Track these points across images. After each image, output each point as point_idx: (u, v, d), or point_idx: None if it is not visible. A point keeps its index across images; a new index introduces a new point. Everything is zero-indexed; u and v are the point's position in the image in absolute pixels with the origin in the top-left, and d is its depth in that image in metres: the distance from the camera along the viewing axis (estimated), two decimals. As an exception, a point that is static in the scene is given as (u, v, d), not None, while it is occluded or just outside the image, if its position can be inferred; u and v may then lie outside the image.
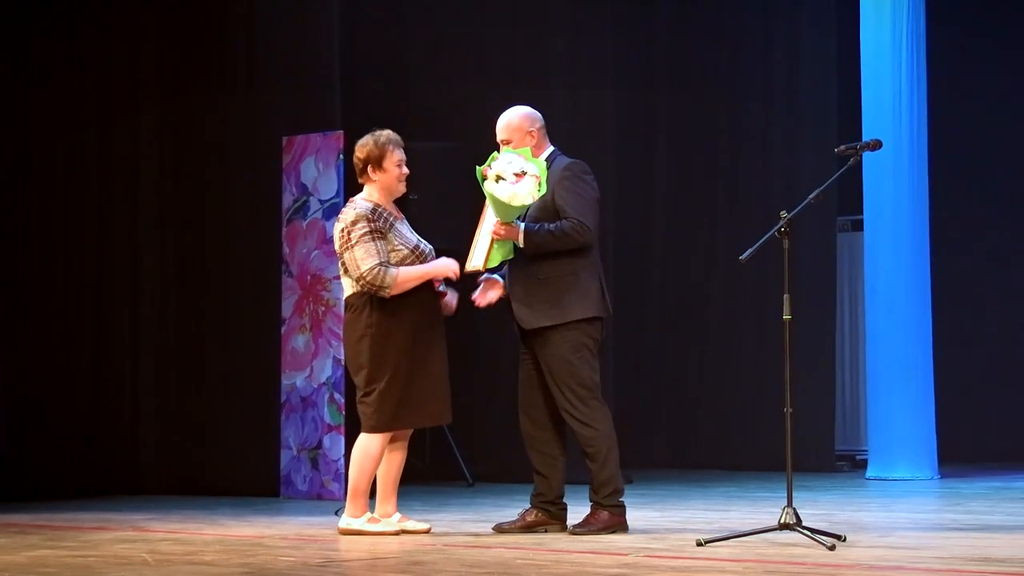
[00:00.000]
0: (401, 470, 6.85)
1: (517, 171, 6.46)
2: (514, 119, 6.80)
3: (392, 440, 6.75)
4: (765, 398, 10.87)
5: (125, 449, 9.73)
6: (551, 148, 6.83)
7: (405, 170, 6.78)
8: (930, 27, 10.54)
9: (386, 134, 6.78)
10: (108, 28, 9.80)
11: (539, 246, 6.61)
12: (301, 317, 9.33)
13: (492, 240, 6.61)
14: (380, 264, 6.58)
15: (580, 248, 6.66)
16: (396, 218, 6.77)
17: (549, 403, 6.72)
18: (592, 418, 6.62)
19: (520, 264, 6.73)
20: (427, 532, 6.76)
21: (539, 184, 6.48)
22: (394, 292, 6.58)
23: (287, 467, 9.32)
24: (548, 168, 6.62)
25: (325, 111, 9.43)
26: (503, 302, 6.83)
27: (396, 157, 6.73)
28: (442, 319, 6.81)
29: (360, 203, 6.74)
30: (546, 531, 6.71)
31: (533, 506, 6.81)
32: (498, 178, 6.44)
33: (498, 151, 6.70)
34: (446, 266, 6.74)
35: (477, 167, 6.55)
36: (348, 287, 6.75)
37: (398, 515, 6.83)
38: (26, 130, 9.50)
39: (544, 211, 6.65)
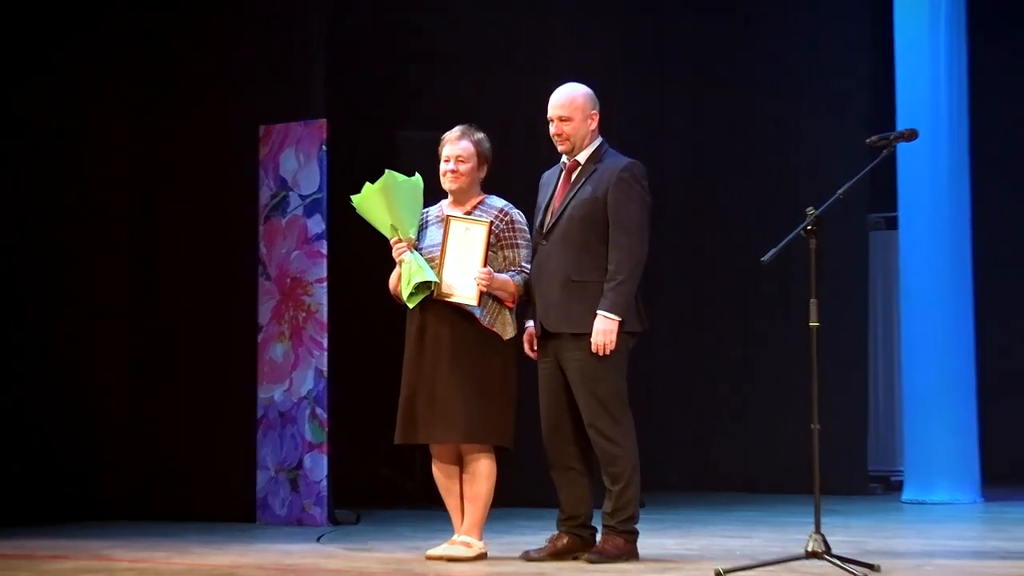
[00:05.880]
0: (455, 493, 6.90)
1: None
2: (578, 96, 6.53)
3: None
4: (790, 413, 10.70)
5: (85, 469, 9.43)
6: (600, 139, 6.61)
7: (443, 165, 6.75)
8: (970, 6, 10.49)
9: (449, 132, 6.81)
10: (83, 13, 9.53)
11: (626, 302, 6.37)
12: (280, 324, 9.16)
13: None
14: None
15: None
16: (437, 219, 6.74)
17: (575, 414, 6.46)
18: (620, 435, 6.39)
19: (551, 262, 6.48)
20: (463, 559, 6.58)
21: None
22: (398, 298, 6.67)
23: (264, 489, 9.11)
24: (598, 162, 6.50)
25: (307, 97, 9.22)
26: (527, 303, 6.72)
27: (441, 155, 6.79)
28: (471, 339, 6.59)
29: None
30: (575, 559, 6.40)
31: (562, 531, 6.54)
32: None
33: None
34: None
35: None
36: None
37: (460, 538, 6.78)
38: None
39: (592, 205, 6.45)
